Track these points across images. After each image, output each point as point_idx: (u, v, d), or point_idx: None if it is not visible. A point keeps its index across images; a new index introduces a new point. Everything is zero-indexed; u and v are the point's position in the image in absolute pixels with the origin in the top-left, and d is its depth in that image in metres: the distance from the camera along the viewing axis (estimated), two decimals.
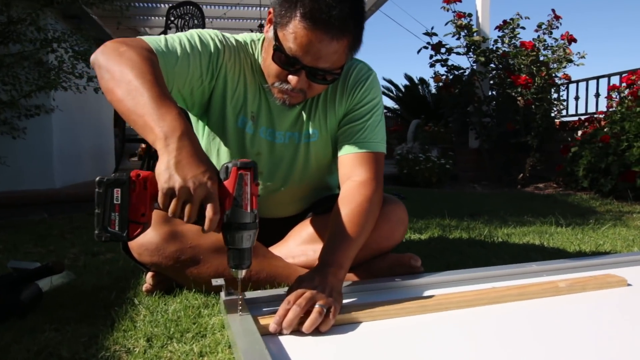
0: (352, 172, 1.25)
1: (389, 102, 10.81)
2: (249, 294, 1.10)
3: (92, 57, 1.03)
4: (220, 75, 1.20)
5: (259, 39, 1.27)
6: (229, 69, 1.21)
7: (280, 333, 0.94)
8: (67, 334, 1.00)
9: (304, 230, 1.34)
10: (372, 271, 1.30)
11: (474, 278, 1.28)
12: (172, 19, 3.65)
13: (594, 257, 1.47)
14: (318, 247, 1.28)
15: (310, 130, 1.31)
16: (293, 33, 1.06)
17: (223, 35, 1.22)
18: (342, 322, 1.00)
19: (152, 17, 7.29)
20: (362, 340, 0.93)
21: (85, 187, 3.66)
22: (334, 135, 1.34)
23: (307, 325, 0.93)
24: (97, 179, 0.88)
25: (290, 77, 1.13)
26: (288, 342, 0.92)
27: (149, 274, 1.23)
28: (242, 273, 0.96)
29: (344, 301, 1.06)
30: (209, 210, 0.87)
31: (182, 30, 3.64)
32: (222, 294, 1.07)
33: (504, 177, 4.52)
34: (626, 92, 4.04)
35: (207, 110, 1.25)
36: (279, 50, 1.10)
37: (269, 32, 1.15)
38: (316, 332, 0.95)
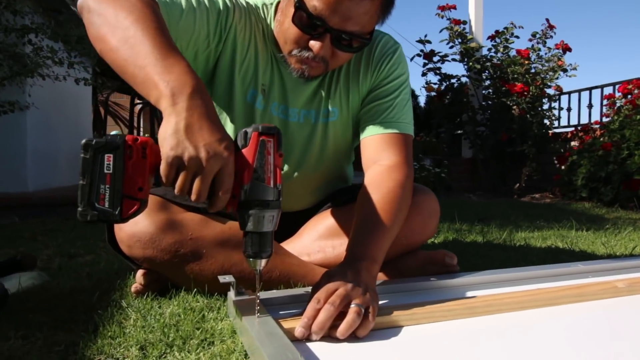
0: (379, 156, 1.08)
1: None
2: (262, 295, 0.91)
3: (80, 1, 0.84)
4: (229, 38, 1.03)
5: (271, 3, 1.11)
6: (239, 31, 1.04)
7: (309, 339, 0.76)
8: (38, 342, 0.79)
9: (321, 224, 1.16)
10: (401, 270, 1.13)
11: (518, 279, 1.11)
12: None
13: None
14: (338, 242, 1.10)
15: (330, 108, 1.14)
16: None
17: None
18: (381, 326, 0.82)
19: None
20: (406, 348, 0.75)
21: (62, 191, 3.41)
22: (356, 116, 1.17)
23: (343, 329, 0.75)
24: (84, 141, 0.70)
25: (312, 43, 0.97)
26: (319, 350, 0.73)
27: (140, 272, 1.02)
28: (262, 263, 0.77)
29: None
30: (222, 185, 0.69)
31: None
32: (231, 293, 0.88)
33: (499, 187, 4.41)
34: (622, 101, 3.99)
35: (212, 80, 1.07)
36: (301, 9, 0.94)
37: None
38: (352, 337, 0.77)
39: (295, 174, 1.16)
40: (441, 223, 2.22)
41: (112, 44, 0.77)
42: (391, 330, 0.82)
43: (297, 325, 0.77)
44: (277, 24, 1.05)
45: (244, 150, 0.73)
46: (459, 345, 0.76)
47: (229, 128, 1.10)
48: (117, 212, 0.69)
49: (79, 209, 0.69)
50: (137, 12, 0.78)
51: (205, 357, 0.72)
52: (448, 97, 4.82)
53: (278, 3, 1.08)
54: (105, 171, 0.69)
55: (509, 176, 4.46)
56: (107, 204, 0.69)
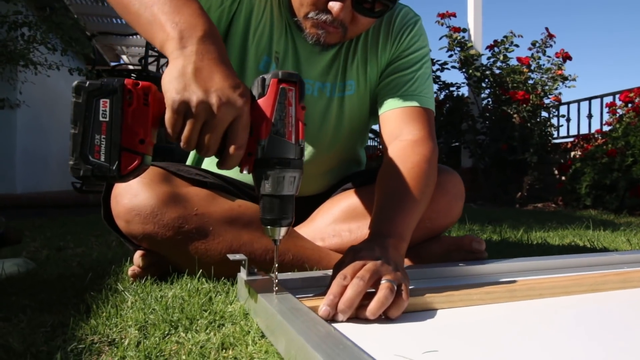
0: (402, 130, 0.99)
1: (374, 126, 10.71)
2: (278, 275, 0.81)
3: None
4: (243, 0, 0.94)
5: None
6: None
7: (334, 319, 0.66)
8: (21, 324, 0.69)
9: (336, 207, 1.07)
10: (424, 257, 1.04)
11: (554, 267, 1.02)
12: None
13: None
14: (355, 225, 1.01)
15: (347, 81, 1.06)
16: None
17: None
18: (414, 308, 0.72)
19: (131, 37, 7.06)
20: (443, 331, 0.65)
21: (52, 194, 3.28)
22: (373, 90, 1.09)
23: (374, 307, 0.64)
24: (76, 83, 0.60)
25: (332, 4, 0.89)
26: (347, 332, 0.63)
27: (138, 253, 0.92)
28: (282, 232, 0.67)
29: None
30: (235, 139, 0.60)
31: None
32: (242, 273, 0.78)
33: (501, 196, 4.34)
34: (624, 109, 3.96)
35: (224, 44, 0.98)
36: None
37: None
38: (382, 319, 0.67)
39: (308, 153, 1.07)
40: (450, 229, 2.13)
41: None
42: (425, 313, 0.72)
43: (320, 304, 0.67)
44: None
45: (261, 100, 0.64)
46: (499, 330, 0.66)
47: None
48: (114, 167, 0.59)
49: (70, 162, 0.59)
50: None
51: (217, 337, 0.62)
52: (447, 105, 4.77)
53: None
54: (101, 119, 0.59)
55: (510, 185, 4.39)
56: (102, 157, 0.59)
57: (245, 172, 0.65)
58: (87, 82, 0.59)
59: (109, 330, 0.65)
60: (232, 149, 0.61)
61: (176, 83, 0.59)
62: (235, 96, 0.60)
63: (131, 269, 0.92)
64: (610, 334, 0.66)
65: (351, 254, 0.73)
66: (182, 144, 0.61)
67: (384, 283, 0.67)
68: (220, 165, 0.63)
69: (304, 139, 0.66)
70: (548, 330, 0.66)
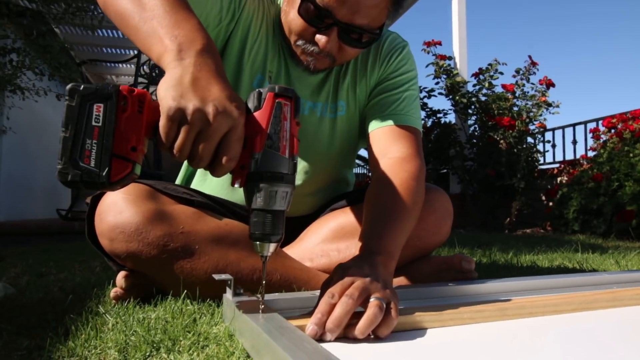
0: (389, 148, 1.00)
1: (362, 152, 10.76)
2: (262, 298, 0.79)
3: None
4: (241, 18, 0.96)
5: None
6: (252, 13, 0.98)
7: (322, 339, 0.64)
8: None
9: (324, 226, 1.05)
10: (414, 276, 1.02)
11: (544, 287, 1.01)
12: (142, 72, 3.40)
13: None
14: (343, 245, 1.00)
15: (338, 102, 1.07)
16: None
17: None
18: (403, 327, 0.71)
19: (120, 65, 7.10)
20: (433, 351, 0.64)
21: (36, 222, 3.22)
22: (362, 111, 1.10)
23: (362, 326, 0.63)
24: (70, 85, 0.59)
25: (319, 37, 0.91)
26: (334, 352, 0.61)
27: (121, 274, 0.90)
28: (271, 248, 0.66)
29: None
30: (228, 150, 0.60)
31: (154, 79, 3.38)
32: (228, 294, 0.76)
33: (490, 222, 4.35)
34: (608, 135, 4.03)
35: None
36: (307, 0, 0.87)
37: None
38: (371, 338, 0.65)
39: (298, 172, 1.07)
40: (440, 248, 2.12)
41: None
42: (415, 332, 0.71)
43: (308, 323, 0.65)
44: (283, 14, 0.99)
45: (257, 113, 0.64)
46: (490, 349, 0.65)
47: None
48: (104, 173, 0.58)
49: (58, 167, 0.58)
50: None
51: (200, 358, 0.60)
52: (435, 132, 4.83)
53: None
54: (94, 123, 0.58)
55: (499, 211, 4.41)
56: (92, 163, 0.58)
57: (237, 185, 0.65)
58: (82, 86, 0.59)
59: (87, 352, 0.63)
60: (224, 159, 0.60)
61: (173, 91, 0.59)
62: (231, 107, 0.60)
63: (113, 291, 0.89)
64: (601, 352, 0.65)
65: (339, 271, 0.72)
66: (174, 152, 0.60)
67: (372, 301, 0.65)
68: (211, 173, 0.63)
69: (297, 154, 0.66)
70: (540, 349, 0.65)
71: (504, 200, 4.39)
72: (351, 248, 0.99)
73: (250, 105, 0.64)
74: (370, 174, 7.41)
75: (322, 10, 0.87)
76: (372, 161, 1.02)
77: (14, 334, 0.73)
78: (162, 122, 0.59)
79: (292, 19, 0.93)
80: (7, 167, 3.23)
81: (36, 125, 3.55)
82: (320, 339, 0.64)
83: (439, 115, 4.86)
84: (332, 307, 0.65)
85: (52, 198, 4.38)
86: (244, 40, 0.98)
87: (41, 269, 1.52)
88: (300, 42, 0.94)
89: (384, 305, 0.65)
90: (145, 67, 3.38)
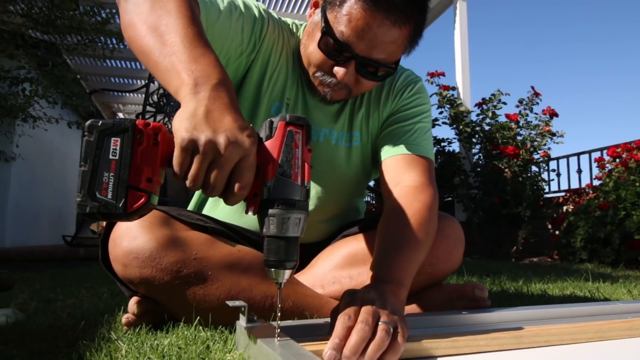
0: (402, 177, 1.00)
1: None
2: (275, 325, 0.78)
3: None
4: (262, 48, 1.00)
5: (301, 24, 1.09)
6: (273, 43, 1.02)
7: None
8: None
9: (336, 253, 1.05)
10: (426, 305, 1.02)
11: (558, 316, 1.00)
12: (151, 101, 3.47)
13: None
14: (355, 272, 1.00)
15: (354, 132, 1.09)
16: (347, 15, 0.88)
17: (266, 7, 1.03)
18: (420, 355, 0.70)
19: (128, 95, 7.23)
20: None
21: (41, 249, 3.21)
22: (374, 142, 1.12)
23: (371, 351, 0.62)
24: (89, 122, 0.61)
25: (337, 69, 0.94)
26: None
27: (133, 300, 0.89)
28: (286, 275, 0.66)
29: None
30: (240, 178, 0.61)
31: (161, 108, 3.44)
32: (242, 320, 0.76)
33: (496, 251, 4.31)
34: (613, 164, 4.04)
35: (239, 91, 1.03)
36: (328, 35, 0.91)
37: (314, 15, 0.98)
38: None
39: (311, 199, 1.07)
40: (449, 276, 2.10)
41: (141, 30, 0.71)
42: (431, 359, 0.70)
43: (322, 348, 0.64)
44: (302, 46, 1.03)
45: (268, 142, 0.65)
46: None
47: None
48: (120, 205, 0.59)
49: (77, 199, 0.59)
50: (173, 3, 0.73)
51: None
52: (439, 160, 4.85)
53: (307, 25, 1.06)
54: (111, 157, 0.59)
55: (505, 239, 4.38)
56: (110, 195, 0.59)
57: (250, 213, 0.65)
58: (100, 122, 0.60)
59: None
60: (237, 187, 0.61)
61: (186, 123, 0.60)
62: (243, 137, 0.61)
63: (125, 317, 0.89)
64: None
65: (347, 297, 0.72)
66: (188, 182, 0.61)
67: (380, 325, 0.65)
68: (224, 201, 0.63)
69: (309, 181, 0.67)
70: None
71: (509, 229, 4.37)
72: (363, 275, 0.99)
73: (262, 134, 0.66)
74: (374, 201, 7.35)
75: (342, 45, 0.90)
76: (384, 189, 1.03)
77: (25, 359, 0.73)
78: (176, 153, 0.60)
79: (311, 51, 0.97)
80: (14, 194, 3.25)
81: (44, 153, 3.59)
82: None
83: (443, 144, 4.89)
84: (349, 330, 0.64)
85: (58, 224, 4.39)
86: (265, 68, 1.01)
87: (48, 295, 1.52)
88: (318, 74, 0.98)
89: (391, 330, 0.65)
90: (154, 96, 3.43)
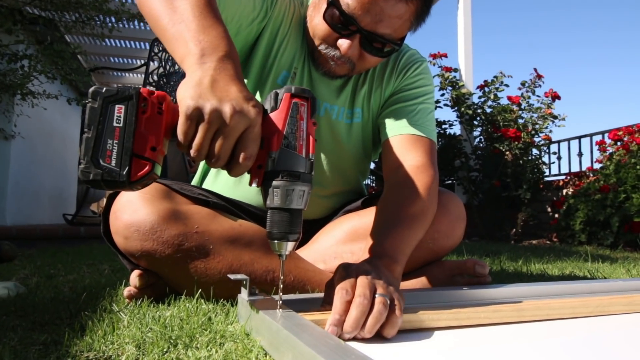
0: (404, 157, 1.00)
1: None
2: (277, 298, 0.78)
3: None
4: (273, 15, 0.99)
5: None
6: (284, 11, 1.01)
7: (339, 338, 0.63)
8: (11, 342, 0.66)
9: (338, 228, 1.05)
10: (427, 281, 1.01)
11: (558, 293, 1.00)
12: (157, 51, 3.44)
13: None
14: (357, 247, 1.00)
15: (355, 108, 1.08)
16: None
17: None
18: (421, 326, 0.71)
19: (128, 74, 7.17)
20: (452, 352, 0.63)
21: (42, 227, 3.22)
22: (375, 120, 1.11)
23: (370, 325, 0.62)
24: (92, 89, 0.60)
25: (341, 42, 0.93)
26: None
27: (135, 273, 0.89)
28: (289, 247, 0.66)
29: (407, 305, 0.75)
30: (245, 148, 0.60)
31: (166, 63, 3.42)
32: (243, 294, 0.76)
33: (495, 233, 4.33)
34: (614, 147, 4.02)
35: (249, 57, 1.02)
36: (333, 6, 0.90)
37: None
38: (379, 338, 0.64)
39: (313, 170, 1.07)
40: (449, 256, 2.11)
41: None
42: (433, 331, 0.70)
43: (324, 320, 0.64)
44: (309, 18, 1.01)
45: (273, 114, 0.65)
46: (509, 350, 0.64)
47: None
48: (124, 172, 0.58)
49: (81, 166, 0.58)
50: None
51: (219, 354, 0.60)
52: (440, 143, 4.83)
53: None
54: (115, 124, 0.59)
55: (505, 222, 4.39)
56: (113, 162, 0.58)
57: (254, 184, 0.65)
58: (104, 88, 0.60)
59: (104, 347, 0.62)
60: (241, 157, 0.60)
61: (192, 91, 0.60)
62: (248, 107, 0.60)
63: (127, 290, 0.89)
64: (618, 356, 0.64)
65: (341, 269, 0.71)
66: (192, 151, 0.61)
67: (377, 297, 0.64)
68: (228, 172, 0.63)
69: (314, 154, 0.66)
70: (556, 352, 0.65)
71: (509, 211, 4.38)
72: (365, 250, 0.99)
73: (267, 106, 0.65)
74: (374, 184, 7.32)
75: (347, 17, 0.89)
76: (385, 168, 1.02)
77: (28, 329, 0.73)
78: (181, 121, 0.59)
79: (316, 23, 0.96)
80: (14, 173, 3.24)
81: (44, 131, 3.57)
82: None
83: (444, 126, 4.87)
84: (348, 304, 0.64)
85: (58, 203, 4.39)
86: (274, 36, 1.00)
87: (50, 271, 1.52)
88: (322, 47, 0.97)
89: (388, 302, 0.64)
90: (154, 75, 3.40)
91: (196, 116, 0.59)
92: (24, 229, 2.91)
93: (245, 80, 1.04)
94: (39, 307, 0.89)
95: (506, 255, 2.21)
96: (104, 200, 0.93)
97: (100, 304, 0.88)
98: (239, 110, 0.60)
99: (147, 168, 0.60)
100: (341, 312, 0.63)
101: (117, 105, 0.59)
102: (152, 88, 3.51)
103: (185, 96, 0.60)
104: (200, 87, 0.60)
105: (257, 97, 1.04)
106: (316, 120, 1.05)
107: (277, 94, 0.65)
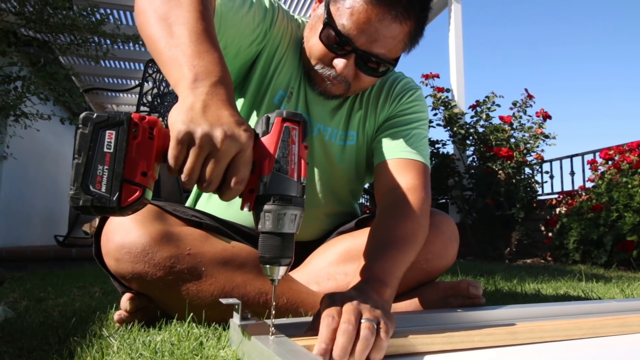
0: (397, 179, 1.01)
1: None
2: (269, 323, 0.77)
3: None
4: (271, 37, 1.00)
5: (306, 21, 1.11)
6: (282, 31, 1.02)
7: None
8: None
9: (331, 250, 1.05)
10: (420, 303, 1.01)
11: (552, 314, 0.99)
12: (151, 72, 3.46)
13: None
14: (350, 268, 0.99)
15: (349, 131, 1.09)
16: (350, 8, 0.89)
17: None
18: (411, 350, 0.70)
19: (122, 95, 7.20)
20: None
21: (33, 249, 3.18)
22: (369, 145, 1.12)
23: (358, 351, 0.61)
24: (83, 114, 0.60)
25: (337, 61, 0.94)
26: None
27: (126, 296, 0.88)
28: (281, 272, 0.65)
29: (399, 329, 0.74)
30: (236, 172, 0.60)
31: (160, 84, 3.44)
32: (235, 318, 0.75)
33: (490, 252, 4.32)
34: (605, 167, 4.06)
35: (247, 77, 1.03)
36: (329, 26, 0.92)
37: (318, 9, 0.99)
38: None
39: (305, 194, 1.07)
40: (443, 276, 2.10)
41: (151, 18, 0.71)
42: (427, 355, 0.70)
43: (313, 344, 0.64)
44: (305, 39, 1.03)
45: (265, 138, 0.65)
46: None
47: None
48: (114, 198, 0.58)
49: (71, 192, 0.58)
50: None
51: None
52: (433, 162, 4.86)
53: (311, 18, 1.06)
54: (105, 150, 0.59)
55: (499, 241, 4.39)
56: (104, 188, 0.58)
57: (246, 209, 0.65)
58: (95, 114, 0.60)
59: None
60: (233, 181, 0.60)
61: (183, 116, 0.60)
62: (239, 131, 0.61)
63: (117, 314, 0.88)
64: None
65: (326, 298, 0.70)
66: (183, 176, 0.60)
67: (363, 323, 0.63)
68: (220, 197, 0.63)
69: (306, 177, 0.66)
70: None
71: (503, 230, 4.38)
72: (358, 271, 0.99)
73: (259, 130, 0.65)
74: (367, 203, 7.32)
75: (343, 37, 0.90)
76: (378, 191, 1.03)
77: (16, 356, 0.72)
78: (172, 145, 0.59)
79: (313, 44, 0.98)
80: (5, 193, 3.22)
81: (36, 152, 3.55)
82: None
83: (437, 145, 4.90)
84: (334, 332, 0.63)
85: (50, 224, 4.35)
86: (272, 56, 1.02)
87: (39, 294, 1.50)
88: (319, 66, 0.98)
89: (375, 327, 0.64)
90: (148, 96, 3.42)
91: (187, 140, 0.59)
92: (14, 250, 2.88)
93: (242, 99, 1.05)
94: (27, 333, 0.88)
95: (500, 274, 2.20)
96: (97, 220, 0.92)
97: (90, 329, 0.87)
98: (230, 135, 0.60)
99: (137, 193, 0.59)
100: (327, 341, 0.62)
101: (107, 131, 0.59)
102: (146, 109, 3.53)
103: (177, 120, 0.60)
104: (192, 112, 0.60)
105: (254, 115, 1.05)
106: (310, 140, 1.06)
107: (268, 118, 0.65)
